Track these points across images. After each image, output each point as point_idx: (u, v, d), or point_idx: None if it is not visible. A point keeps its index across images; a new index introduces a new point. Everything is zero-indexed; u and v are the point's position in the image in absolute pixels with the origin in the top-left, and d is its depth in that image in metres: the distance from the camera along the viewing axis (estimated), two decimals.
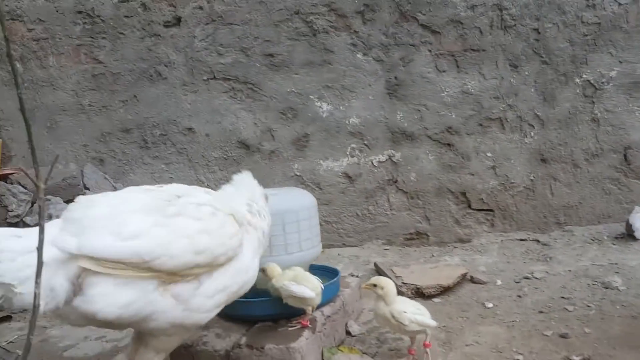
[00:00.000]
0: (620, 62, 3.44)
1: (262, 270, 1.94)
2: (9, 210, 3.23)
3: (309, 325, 1.93)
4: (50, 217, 3.32)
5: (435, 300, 2.60)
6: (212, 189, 3.78)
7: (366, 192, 3.71)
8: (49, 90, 3.93)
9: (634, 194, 3.50)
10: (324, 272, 2.25)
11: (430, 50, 3.55)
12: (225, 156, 3.83)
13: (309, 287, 1.88)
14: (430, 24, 3.53)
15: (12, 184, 3.38)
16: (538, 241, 3.44)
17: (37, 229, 1.29)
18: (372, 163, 3.68)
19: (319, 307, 1.99)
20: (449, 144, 3.60)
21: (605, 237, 3.32)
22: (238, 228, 1.59)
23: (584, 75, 3.47)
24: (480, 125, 3.56)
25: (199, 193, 1.61)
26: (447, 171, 3.61)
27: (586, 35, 3.44)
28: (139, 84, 3.84)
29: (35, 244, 1.02)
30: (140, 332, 1.51)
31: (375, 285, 1.93)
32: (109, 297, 1.32)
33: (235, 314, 2.06)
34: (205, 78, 3.79)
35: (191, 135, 3.85)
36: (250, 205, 1.77)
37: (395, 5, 3.55)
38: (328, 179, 3.73)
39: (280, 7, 3.65)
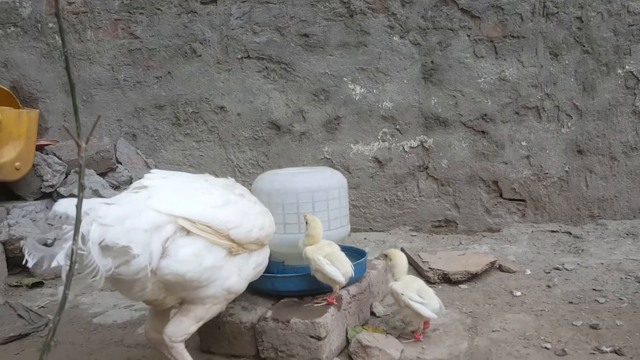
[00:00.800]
0: None
1: (306, 221, 1.97)
2: (43, 180, 3.29)
3: (335, 303, 1.92)
4: (83, 189, 3.38)
5: (462, 286, 2.57)
6: (241, 168, 3.82)
7: (396, 177, 3.67)
8: (86, 64, 3.99)
9: None
10: (351, 252, 2.24)
11: (468, 35, 3.48)
12: (255, 136, 3.84)
13: (340, 270, 1.88)
14: (470, 9, 3.46)
15: (47, 154, 3.45)
16: (570, 233, 3.37)
17: (118, 196, 1.39)
18: (404, 148, 3.64)
19: (344, 286, 1.98)
20: (483, 132, 3.53)
21: None
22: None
23: (627, 67, 3.37)
24: (517, 113, 3.49)
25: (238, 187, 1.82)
26: (479, 159, 3.55)
27: (631, 25, 3.33)
28: (173, 60, 3.87)
29: (128, 210, 1.25)
30: (186, 300, 1.56)
31: (386, 256, 2.02)
32: (198, 259, 1.45)
33: (261, 288, 2.07)
34: (239, 57, 3.80)
35: (223, 113, 3.87)
36: None
37: None
38: (358, 162, 3.71)
39: None
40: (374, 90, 3.64)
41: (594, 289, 2.47)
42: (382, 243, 3.38)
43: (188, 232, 1.45)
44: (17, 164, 3.12)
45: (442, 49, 3.52)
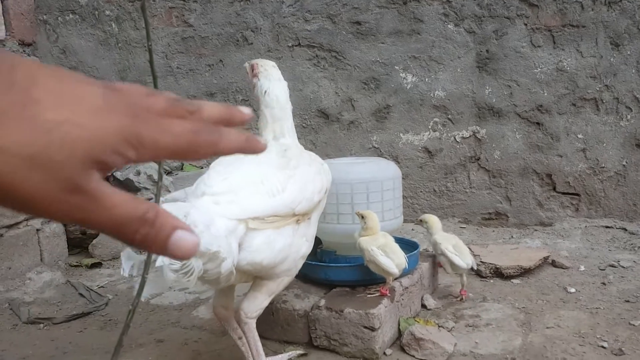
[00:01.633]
0: None
1: (361, 217, 1.97)
2: None
3: (388, 294, 1.94)
4: (138, 174, 3.48)
5: (514, 281, 2.54)
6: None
7: (445, 168, 3.64)
8: (141, 52, 4.08)
9: None
10: (403, 244, 2.24)
11: (526, 24, 3.39)
12: (304, 124, 3.86)
13: (395, 262, 1.89)
14: None
15: None
16: (625, 229, 3.27)
17: (195, 202, 1.44)
18: (455, 138, 3.60)
19: (397, 277, 1.99)
20: (538, 123, 3.45)
21: None
22: None
23: None
24: (573, 105, 3.39)
25: (287, 145, 1.80)
26: (533, 151, 3.48)
27: None
28: (225, 48, 3.91)
29: (208, 214, 1.34)
30: (261, 277, 1.62)
31: (421, 221, 2.19)
32: (270, 244, 1.52)
33: (314, 276, 2.10)
34: (290, 45, 3.81)
35: None
36: None
37: None
38: (407, 152, 3.69)
39: None
40: (426, 79, 3.60)
41: None
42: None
43: (247, 227, 1.50)
44: None
45: (498, 37, 3.44)
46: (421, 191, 3.70)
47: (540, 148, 3.46)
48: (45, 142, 0.33)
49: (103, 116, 0.35)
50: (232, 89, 3.95)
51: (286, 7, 3.76)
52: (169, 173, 3.72)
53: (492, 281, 2.55)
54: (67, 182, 0.34)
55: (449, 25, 3.51)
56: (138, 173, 3.43)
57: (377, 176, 2.14)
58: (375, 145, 3.74)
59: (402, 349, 1.87)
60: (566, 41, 3.34)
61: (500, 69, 3.46)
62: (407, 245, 2.25)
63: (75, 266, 2.94)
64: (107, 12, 4.09)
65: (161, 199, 2.18)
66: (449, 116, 3.59)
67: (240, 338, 1.73)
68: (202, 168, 3.72)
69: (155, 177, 3.42)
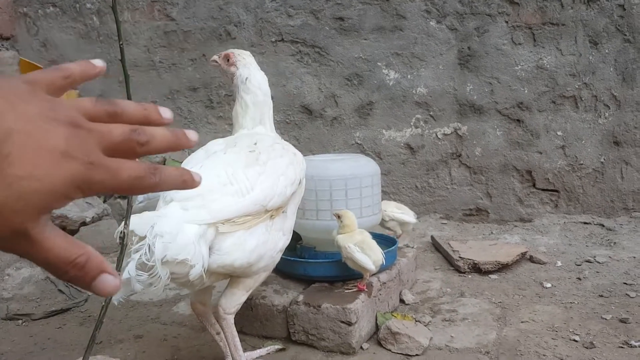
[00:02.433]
0: None
1: (338, 216, 1.97)
2: None
3: (365, 290, 1.96)
4: None
5: (492, 276, 2.57)
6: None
7: (427, 164, 3.67)
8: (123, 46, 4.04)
9: None
10: (382, 240, 2.26)
11: (507, 22, 3.42)
12: (287, 120, 3.86)
13: (371, 258, 1.90)
14: None
15: None
16: (603, 225, 3.33)
17: (163, 210, 1.43)
18: (437, 135, 3.63)
19: (375, 273, 2.01)
20: (518, 120, 3.49)
21: None
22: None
23: None
24: (553, 102, 3.43)
25: (260, 136, 1.81)
26: (514, 148, 3.52)
27: None
28: (208, 43, 3.90)
29: (175, 223, 1.32)
30: (237, 275, 1.62)
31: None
32: (241, 245, 1.51)
33: (293, 272, 2.11)
34: (273, 40, 3.81)
35: None
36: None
37: None
38: (389, 148, 3.71)
39: None
40: (408, 76, 3.62)
41: (625, 283, 2.45)
42: (412, 231, 3.38)
43: (217, 230, 1.49)
44: None
45: (480, 35, 3.47)
46: (403, 187, 3.73)
47: (521, 145, 3.50)
48: (5, 195, 0.38)
49: (61, 165, 0.40)
50: (214, 84, 3.94)
51: (269, 2, 3.76)
52: None
53: (470, 276, 2.59)
54: (17, 227, 0.40)
55: (431, 22, 3.53)
56: None
57: (355, 173, 2.15)
58: (358, 142, 3.76)
59: (379, 343, 1.89)
60: (546, 39, 3.38)
61: (481, 66, 3.49)
62: (386, 241, 2.27)
63: None
64: (88, 5, 4.06)
65: (140, 197, 2.18)
66: (431, 113, 3.61)
67: (218, 333, 1.74)
68: None
69: None
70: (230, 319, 1.63)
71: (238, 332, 1.98)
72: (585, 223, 3.40)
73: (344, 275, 2.03)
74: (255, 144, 1.71)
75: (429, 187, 3.68)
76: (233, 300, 1.63)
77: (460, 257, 2.66)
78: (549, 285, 2.45)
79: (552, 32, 3.37)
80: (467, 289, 2.42)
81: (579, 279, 2.53)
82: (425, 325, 2.01)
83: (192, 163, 1.66)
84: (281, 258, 1.74)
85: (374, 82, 3.67)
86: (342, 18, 3.66)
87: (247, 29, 3.84)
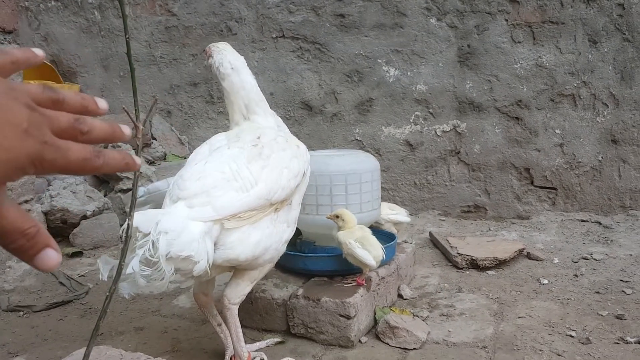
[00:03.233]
0: None
1: (336, 216, 1.99)
2: None
3: (364, 284, 1.98)
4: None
5: (490, 272, 2.60)
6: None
7: (426, 161, 3.69)
8: (124, 40, 4.05)
9: None
10: (381, 235, 2.28)
11: (506, 20, 3.44)
12: (287, 116, 3.88)
13: (372, 254, 1.92)
14: None
15: None
16: (600, 223, 3.35)
17: (168, 208, 1.45)
18: (436, 132, 3.65)
19: (376, 268, 2.03)
20: (517, 118, 3.51)
21: None
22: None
23: None
24: (552, 100, 3.45)
25: (263, 129, 1.80)
26: (512, 145, 3.54)
27: None
28: (209, 38, 3.91)
29: (180, 220, 1.33)
30: (243, 268, 1.63)
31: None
32: (246, 239, 1.52)
33: (293, 267, 2.13)
34: (274, 36, 3.82)
35: None
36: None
37: None
38: (389, 145, 3.73)
39: None
40: (408, 73, 3.63)
41: (621, 280, 2.47)
42: (410, 227, 3.42)
43: (222, 227, 1.50)
44: None
45: (479, 32, 3.49)
46: (402, 184, 3.75)
47: (519, 142, 3.52)
48: None
49: (23, 140, 0.44)
50: (215, 79, 3.94)
51: None
52: (151, 163, 3.72)
53: (467, 272, 2.61)
54: None
55: (431, 20, 3.55)
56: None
57: (355, 168, 2.17)
58: (358, 138, 3.78)
59: (377, 337, 1.91)
60: (545, 37, 3.40)
61: (481, 64, 3.51)
62: (385, 237, 2.29)
63: None
64: (90, 0, 4.06)
65: (143, 188, 2.19)
66: (430, 110, 3.63)
67: (219, 325, 1.76)
68: (185, 158, 3.73)
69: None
70: (235, 310, 1.65)
71: None
72: (582, 221, 3.42)
73: (343, 269, 2.05)
74: (259, 137, 1.70)
75: (428, 183, 3.70)
76: (238, 291, 1.65)
77: (458, 253, 2.69)
78: (545, 281, 2.47)
79: (552, 30, 3.39)
80: (464, 285, 2.44)
81: (576, 275, 2.55)
82: (423, 320, 2.03)
83: (197, 159, 1.67)
84: None
85: (374, 79, 3.69)
86: (342, 15, 3.67)
87: (248, 25, 3.85)
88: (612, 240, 3.05)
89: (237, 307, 1.65)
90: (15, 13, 4.05)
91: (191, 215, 1.41)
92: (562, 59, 3.40)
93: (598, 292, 2.34)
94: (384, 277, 2.12)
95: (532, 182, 3.54)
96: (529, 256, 2.79)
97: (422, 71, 3.61)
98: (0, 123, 0.43)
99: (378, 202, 2.31)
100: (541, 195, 3.54)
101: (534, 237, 3.17)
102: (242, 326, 1.99)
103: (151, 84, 4.06)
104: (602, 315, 2.10)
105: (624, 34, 3.32)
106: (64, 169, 0.48)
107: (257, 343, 1.86)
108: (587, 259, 2.76)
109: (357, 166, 2.19)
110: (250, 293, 2.00)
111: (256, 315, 2.01)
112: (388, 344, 1.87)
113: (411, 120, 3.67)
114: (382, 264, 2.10)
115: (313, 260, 2.11)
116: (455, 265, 2.67)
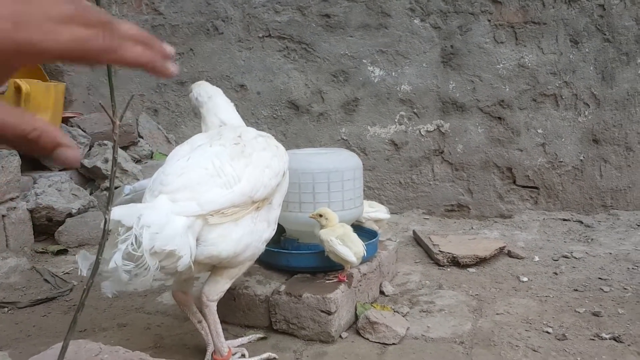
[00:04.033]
0: None
1: (319, 215, 2.01)
2: None
3: (345, 280, 2.01)
4: (106, 161, 3.49)
5: (471, 270, 2.64)
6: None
7: (411, 160, 3.73)
8: None
9: None
10: (363, 233, 2.31)
11: (489, 20, 3.49)
12: (274, 115, 3.91)
13: (353, 251, 1.95)
14: None
15: (72, 126, 3.56)
16: (581, 222, 3.40)
17: (150, 203, 1.45)
18: (420, 132, 3.69)
19: (357, 265, 2.06)
20: (499, 118, 3.56)
21: None
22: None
23: None
24: (534, 100, 3.50)
25: (243, 129, 1.84)
26: (495, 145, 3.59)
27: None
28: (195, 37, 3.93)
29: (163, 214, 1.34)
30: (223, 265, 1.65)
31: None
32: (228, 236, 1.55)
33: (276, 264, 2.16)
34: (260, 35, 3.85)
35: (243, 92, 3.93)
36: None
37: None
38: (374, 145, 3.77)
39: None
40: (393, 73, 3.67)
41: (600, 278, 2.52)
42: (395, 225, 3.45)
43: (206, 222, 1.52)
44: None
45: (462, 33, 3.53)
46: (387, 183, 3.78)
47: (502, 142, 3.57)
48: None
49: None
50: (202, 78, 3.96)
51: None
52: (138, 161, 3.73)
53: (449, 270, 2.65)
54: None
55: (415, 20, 3.59)
56: (106, 161, 3.44)
57: (338, 166, 2.20)
58: (344, 137, 3.81)
59: (358, 333, 1.94)
60: (528, 38, 3.45)
61: (464, 64, 3.55)
62: (367, 234, 2.32)
63: (41, 252, 2.95)
64: None
65: (129, 186, 2.21)
66: (415, 110, 3.67)
67: (200, 322, 1.78)
68: None
69: (124, 164, 3.44)
70: (213, 307, 1.67)
71: (221, 321, 2.02)
72: (564, 220, 3.47)
73: (325, 266, 2.08)
74: (240, 136, 1.73)
75: (413, 183, 3.74)
76: (217, 288, 1.66)
77: (440, 250, 2.72)
78: (525, 279, 2.51)
79: (534, 31, 3.44)
80: (445, 282, 2.48)
81: (556, 273, 2.59)
82: (403, 316, 2.06)
83: (179, 156, 1.68)
84: (265, 249, 1.77)
85: (359, 79, 3.72)
86: (328, 15, 3.70)
87: (234, 24, 3.87)
88: (592, 239, 3.10)
89: (216, 303, 1.67)
90: None
91: (175, 210, 1.42)
92: (544, 59, 3.45)
93: (577, 290, 2.38)
94: (365, 274, 2.15)
95: (514, 182, 3.59)
96: (509, 254, 2.83)
97: (406, 71, 3.65)
98: None
99: (360, 199, 2.34)
100: (523, 195, 3.59)
101: (516, 236, 3.21)
102: (225, 322, 2.01)
103: (137, 83, 4.07)
104: (579, 312, 2.14)
105: (605, 34, 3.38)
106: (60, 53, 0.43)
107: (239, 339, 1.89)
108: (568, 258, 2.81)
109: (340, 164, 2.22)
110: (233, 289, 2.03)
111: (239, 312, 2.04)
112: (368, 339, 1.91)
113: (396, 120, 3.71)
114: (364, 261, 2.13)
115: (296, 257, 2.13)
116: (437, 263, 2.71)
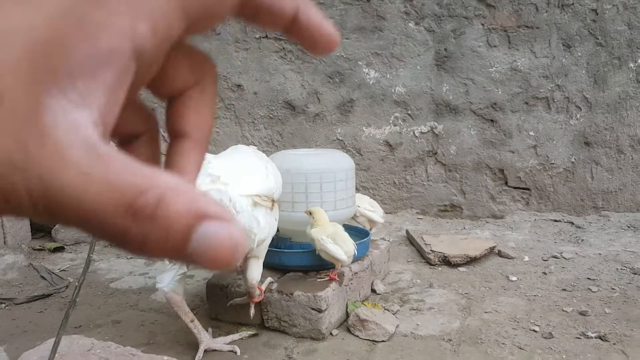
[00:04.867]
0: None
1: (310, 213, 2.06)
2: None
3: (337, 279, 2.05)
4: None
5: (461, 269, 2.68)
6: (256, 145, 3.96)
7: (405, 161, 3.77)
8: None
9: None
10: (356, 232, 2.36)
11: (483, 24, 3.53)
12: (271, 115, 3.94)
13: (343, 249, 1.99)
14: None
15: None
16: (572, 223, 3.45)
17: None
18: (414, 133, 3.73)
19: (348, 264, 2.10)
20: (492, 120, 3.60)
21: None
22: None
23: (639, 60, 3.40)
24: (526, 103, 3.55)
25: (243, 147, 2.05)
26: (487, 147, 3.63)
27: None
28: (192, 38, 3.95)
29: (224, 196, 1.54)
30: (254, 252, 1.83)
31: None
32: (263, 224, 1.72)
33: (268, 262, 2.20)
34: (257, 36, 3.88)
35: (240, 92, 3.97)
36: None
37: None
38: (369, 145, 3.81)
39: None
40: (388, 75, 3.71)
41: (588, 278, 2.56)
42: (388, 225, 3.49)
43: (255, 204, 1.71)
44: None
45: (456, 36, 3.58)
46: (382, 183, 3.82)
47: (494, 144, 3.61)
48: None
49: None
50: None
51: None
52: None
53: (440, 269, 2.69)
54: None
55: (409, 24, 3.63)
56: None
57: (330, 167, 2.24)
58: (340, 138, 3.85)
59: (348, 330, 1.99)
60: (521, 41, 3.49)
61: (457, 67, 3.59)
62: (359, 233, 2.36)
63: (39, 250, 2.99)
64: None
65: None
66: (409, 112, 3.71)
67: (192, 321, 1.82)
68: None
69: None
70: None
71: (214, 319, 2.07)
72: (555, 220, 3.52)
73: (317, 265, 2.12)
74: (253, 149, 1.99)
75: (407, 183, 3.78)
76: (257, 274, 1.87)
77: (431, 250, 2.77)
78: (514, 278, 2.56)
79: (527, 34, 3.48)
80: (435, 281, 2.52)
81: (545, 273, 2.63)
82: (393, 314, 2.10)
83: (213, 158, 1.85)
84: None
85: (354, 81, 3.76)
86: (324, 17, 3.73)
87: (232, 25, 3.90)
88: (583, 240, 3.14)
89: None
90: None
91: (231, 191, 1.60)
92: (537, 62, 3.50)
93: (565, 290, 2.42)
94: (357, 273, 2.19)
95: (506, 183, 3.63)
96: (500, 254, 2.87)
97: (400, 74, 3.69)
98: None
99: (353, 200, 2.39)
100: (515, 196, 3.63)
101: (507, 236, 3.26)
102: (217, 320, 2.06)
103: None
104: (566, 311, 2.19)
105: (597, 38, 3.42)
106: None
107: (230, 336, 1.93)
108: (557, 258, 2.85)
109: (332, 165, 2.26)
110: (226, 288, 2.07)
111: (231, 310, 2.07)
112: (358, 336, 1.95)
113: (390, 121, 3.75)
114: (356, 259, 2.17)
115: (288, 255, 2.17)
116: (429, 262, 2.75)
